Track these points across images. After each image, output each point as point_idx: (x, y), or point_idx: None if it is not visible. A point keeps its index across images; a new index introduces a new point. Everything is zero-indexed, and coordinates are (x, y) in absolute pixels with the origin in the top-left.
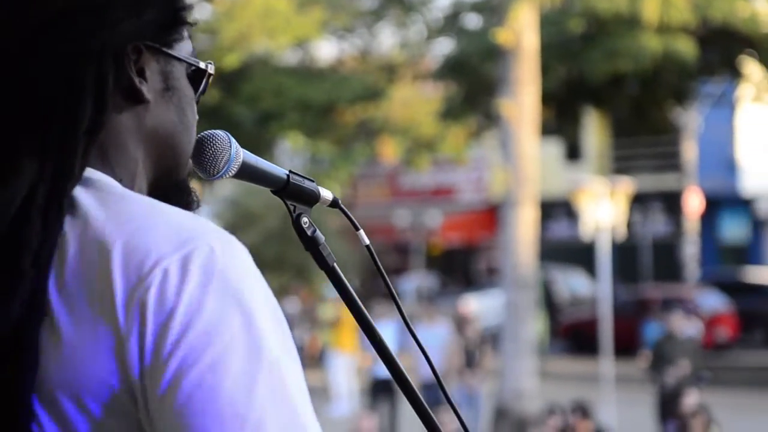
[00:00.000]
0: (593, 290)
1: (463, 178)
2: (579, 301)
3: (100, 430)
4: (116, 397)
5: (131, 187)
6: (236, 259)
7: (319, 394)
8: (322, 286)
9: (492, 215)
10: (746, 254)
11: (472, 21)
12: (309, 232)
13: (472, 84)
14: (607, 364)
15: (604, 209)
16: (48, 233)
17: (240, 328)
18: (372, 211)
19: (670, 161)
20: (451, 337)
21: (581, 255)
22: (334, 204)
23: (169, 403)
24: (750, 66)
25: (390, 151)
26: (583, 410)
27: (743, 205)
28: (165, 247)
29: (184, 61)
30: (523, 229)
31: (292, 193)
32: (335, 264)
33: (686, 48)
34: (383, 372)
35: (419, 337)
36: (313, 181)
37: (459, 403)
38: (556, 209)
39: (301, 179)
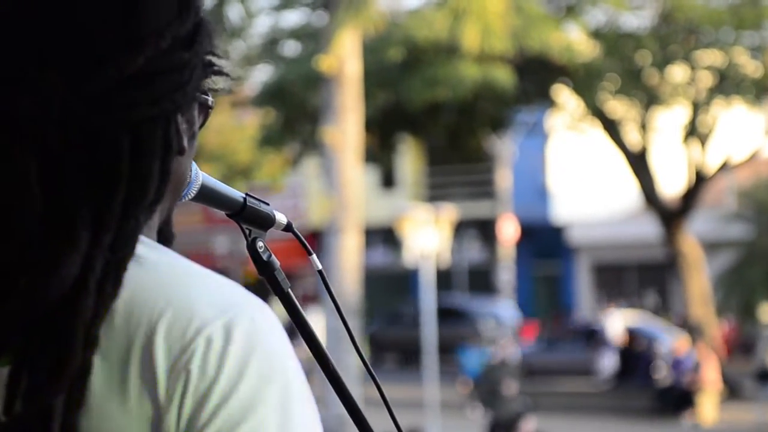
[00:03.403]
0: None
1: (279, 205)
2: None
3: None
4: None
5: (148, 235)
6: (273, 329)
7: None
8: None
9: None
10: (559, 281)
11: (291, 48)
12: (264, 257)
13: (292, 111)
14: (432, 390)
15: (427, 236)
16: (101, 309)
17: (277, 402)
18: (188, 238)
19: (485, 189)
20: None
21: (397, 282)
22: (288, 228)
23: None
24: (564, 95)
25: None
26: None
27: (556, 232)
28: (207, 313)
29: (204, 104)
30: (347, 256)
31: (248, 217)
32: (290, 289)
33: (504, 76)
34: None
35: None
36: (268, 205)
37: None
38: (373, 236)
39: (257, 203)
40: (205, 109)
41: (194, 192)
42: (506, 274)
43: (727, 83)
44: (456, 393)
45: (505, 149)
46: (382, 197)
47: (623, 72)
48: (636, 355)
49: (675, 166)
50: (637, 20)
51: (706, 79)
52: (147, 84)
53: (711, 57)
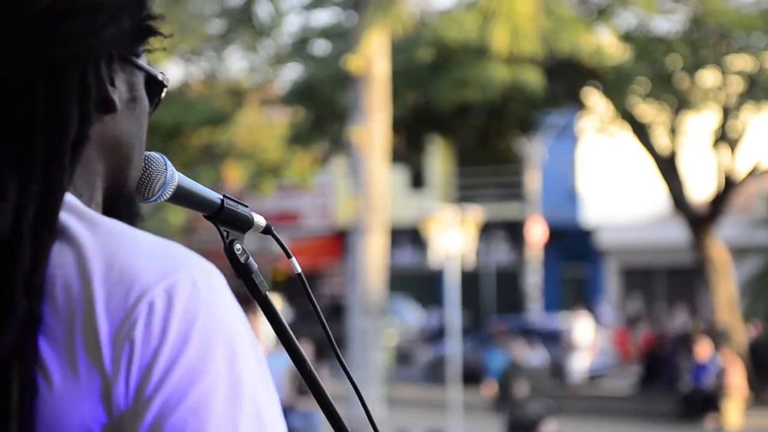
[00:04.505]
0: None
1: (308, 203)
2: None
3: None
4: None
5: (90, 202)
6: (219, 291)
7: None
8: None
9: (337, 242)
10: (587, 284)
11: (321, 47)
12: (242, 259)
13: (321, 110)
14: (455, 391)
15: (453, 237)
16: (39, 256)
17: (224, 367)
18: (214, 236)
19: (514, 191)
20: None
21: (425, 283)
22: (267, 231)
23: None
24: (594, 98)
25: (235, 175)
26: None
27: (584, 235)
28: (148, 277)
29: (147, 72)
30: (372, 257)
31: (226, 219)
32: (267, 293)
33: (533, 79)
34: None
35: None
36: (246, 207)
37: (299, 429)
38: (401, 237)
39: (235, 204)
40: (158, 86)
41: (170, 192)
42: (534, 277)
43: (758, 89)
44: (479, 395)
45: (535, 151)
46: (411, 197)
47: (653, 76)
48: (661, 360)
49: (704, 171)
50: (668, 24)
51: (737, 84)
52: (56, 25)
53: (742, 62)
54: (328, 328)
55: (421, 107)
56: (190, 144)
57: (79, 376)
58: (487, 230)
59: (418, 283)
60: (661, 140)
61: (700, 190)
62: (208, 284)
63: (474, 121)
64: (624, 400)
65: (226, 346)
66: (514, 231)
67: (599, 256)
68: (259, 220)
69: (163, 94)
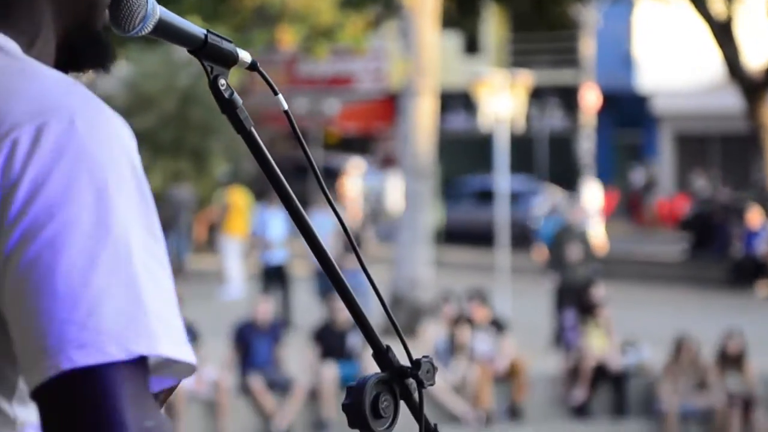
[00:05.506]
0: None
1: (361, 67)
2: None
3: None
4: None
5: (34, 40)
6: (100, 128)
7: (213, 278)
8: (218, 172)
9: (390, 105)
10: (641, 150)
11: None
12: (226, 95)
13: None
14: (502, 254)
15: (503, 101)
16: None
17: (89, 202)
18: (269, 99)
19: (568, 56)
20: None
21: (478, 147)
22: (252, 67)
23: (8, 277)
24: None
25: (288, 38)
26: (480, 297)
27: (639, 101)
28: (21, 115)
29: None
30: (423, 119)
31: (210, 54)
32: (253, 128)
33: None
34: (277, 259)
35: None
36: (231, 42)
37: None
38: (454, 101)
39: (219, 39)
40: None
41: (151, 26)
42: (587, 143)
43: None
44: (529, 260)
45: (590, 17)
46: (465, 62)
47: None
48: (712, 227)
49: (760, 37)
50: None
51: None
52: None
53: None
54: (325, 185)
55: None
56: (243, 6)
57: None
58: (541, 96)
59: (470, 148)
60: (717, 6)
61: (755, 57)
62: (90, 122)
63: None
64: (674, 266)
65: (95, 181)
66: (568, 97)
67: (653, 123)
68: (244, 56)
69: None
